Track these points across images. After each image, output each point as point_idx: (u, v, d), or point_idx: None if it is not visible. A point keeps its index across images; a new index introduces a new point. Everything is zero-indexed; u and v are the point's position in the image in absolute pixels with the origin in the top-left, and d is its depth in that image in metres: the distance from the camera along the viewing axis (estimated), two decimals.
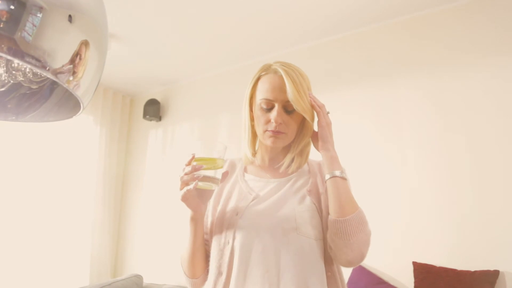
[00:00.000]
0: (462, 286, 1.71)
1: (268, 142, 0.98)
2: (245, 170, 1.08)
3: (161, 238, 3.24)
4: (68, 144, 3.26)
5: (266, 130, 0.97)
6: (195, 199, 0.89)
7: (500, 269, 1.78)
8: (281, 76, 0.96)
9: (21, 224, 2.90)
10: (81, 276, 3.15)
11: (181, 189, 0.85)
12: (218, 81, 3.28)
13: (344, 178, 0.92)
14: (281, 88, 0.95)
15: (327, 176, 0.93)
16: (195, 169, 0.83)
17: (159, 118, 3.54)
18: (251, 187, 1.02)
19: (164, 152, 3.46)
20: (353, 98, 2.49)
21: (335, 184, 0.91)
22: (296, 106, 0.94)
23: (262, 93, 0.97)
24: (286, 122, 0.96)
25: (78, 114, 0.68)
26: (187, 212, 0.93)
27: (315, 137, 1.01)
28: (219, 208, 1.00)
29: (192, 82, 3.46)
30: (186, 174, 0.84)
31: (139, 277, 2.95)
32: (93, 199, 3.32)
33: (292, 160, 1.03)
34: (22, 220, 2.91)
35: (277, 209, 0.95)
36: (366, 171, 2.31)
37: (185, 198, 0.86)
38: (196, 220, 0.92)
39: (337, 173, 0.92)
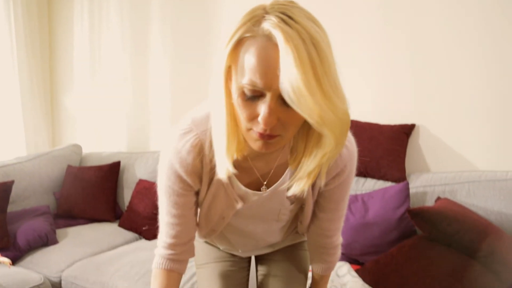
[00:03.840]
0: (383, 136, 1.89)
1: (255, 146, 0.66)
2: None
3: (97, 107, 3.15)
4: None
5: (251, 129, 0.64)
6: None
7: (416, 123, 1.97)
8: (277, 46, 0.57)
9: None
10: (17, 148, 3.07)
11: None
12: None
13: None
14: (277, 67, 0.57)
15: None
16: None
17: None
18: (237, 195, 0.84)
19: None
20: None
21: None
22: (300, 107, 0.57)
23: (245, 73, 0.60)
24: (283, 119, 0.62)
25: None
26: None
27: None
28: (204, 207, 0.88)
29: None
30: None
31: (77, 146, 2.95)
32: (15, 67, 3.04)
33: (306, 179, 0.71)
34: None
35: (262, 214, 0.92)
36: None
37: None
38: None
39: None
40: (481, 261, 1.34)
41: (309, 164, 0.68)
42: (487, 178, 1.68)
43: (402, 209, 1.68)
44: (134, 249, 2.04)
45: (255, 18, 0.60)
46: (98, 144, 3.15)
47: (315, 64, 0.56)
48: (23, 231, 2.09)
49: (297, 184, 0.72)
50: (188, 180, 0.80)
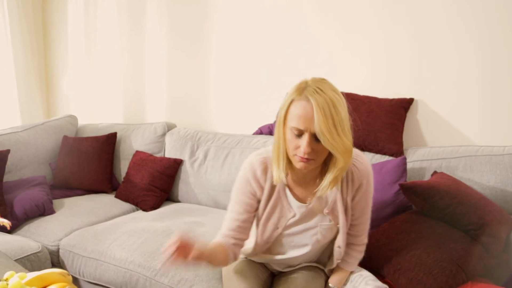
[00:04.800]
0: (381, 110, 1.88)
1: (298, 166, 1.09)
2: (286, 184, 1.22)
3: (93, 80, 3.11)
4: None
5: (295, 155, 1.07)
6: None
7: (415, 97, 1.96)
8: (312, 106, 1.00)
9: None
10: (12, 119, 3.04)
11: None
12: None
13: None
14: (312, 118, 1.00)
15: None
16: None
17: None
18: (290, 206, 1.21)
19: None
20: None
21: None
22: (323, 142, 1.01)
23: (293, 120, 1.04)
24: (315, 149, 1.05)
25: None
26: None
27: None
28: (263, 217, 1.23)
29: None
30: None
31: (73, 117, 2.92)
32: (8, 41, 2.97)
33: (328, 186, 1.13)
34: None
35: (306, 227, 1.24)
36: (304, 60, 2.26)
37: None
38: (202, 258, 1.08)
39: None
40: (471, 233, 1.36)
41: (329, 176, 1.11)
42: (484, 153, 1.69)
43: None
44: (132, 219, 2.05)
45: (301, 89, 1.04)
46: (94, 117, 3.12)
47: (334, 118, 1.00)
48: (20, 201, 2.09)
49: (322, 189, 1.14)
50: (254, 186, 1.20)
